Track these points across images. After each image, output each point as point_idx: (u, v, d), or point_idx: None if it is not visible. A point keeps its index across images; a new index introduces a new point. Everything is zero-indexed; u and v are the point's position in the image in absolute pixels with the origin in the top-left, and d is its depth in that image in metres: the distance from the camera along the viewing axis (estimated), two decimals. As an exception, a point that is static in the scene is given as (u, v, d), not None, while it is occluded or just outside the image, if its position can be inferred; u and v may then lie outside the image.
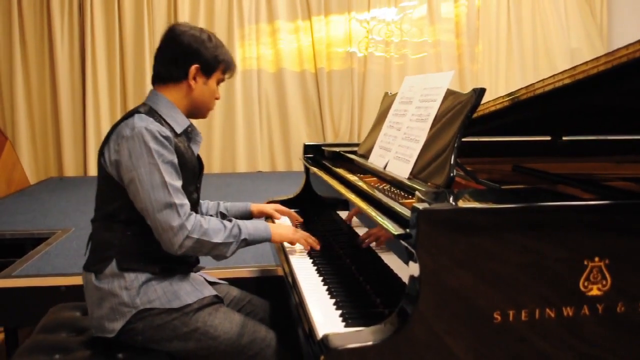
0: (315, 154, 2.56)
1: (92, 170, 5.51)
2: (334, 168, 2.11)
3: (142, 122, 1.63)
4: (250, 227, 1.75)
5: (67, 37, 5.51)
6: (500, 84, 6.10)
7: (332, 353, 1.10)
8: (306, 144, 2.61)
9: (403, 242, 1.18)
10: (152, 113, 1.70)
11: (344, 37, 6.00)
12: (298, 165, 5.91)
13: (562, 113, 2.09)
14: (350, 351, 1.08)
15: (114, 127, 1.69)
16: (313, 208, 2.45)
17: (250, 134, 5.85)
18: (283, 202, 2.50)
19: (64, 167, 5.53)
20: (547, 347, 1.17)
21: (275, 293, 2.32)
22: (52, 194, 4.54)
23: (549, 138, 2.47)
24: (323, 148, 2.50)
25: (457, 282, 1.12)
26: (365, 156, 2.08)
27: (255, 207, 2.15)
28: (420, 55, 6.11)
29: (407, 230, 1.16)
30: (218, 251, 1.68)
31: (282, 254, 1.98)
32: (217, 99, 1.85)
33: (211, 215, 2.05)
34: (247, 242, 1.74)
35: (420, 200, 1.19)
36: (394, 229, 1.23)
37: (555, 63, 6.22)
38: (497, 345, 1.15)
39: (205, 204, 2.09)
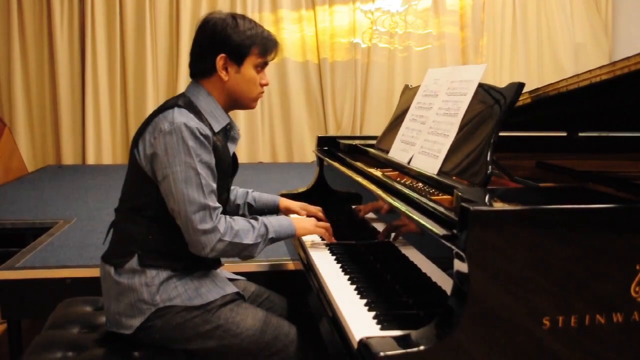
0: (329, 146, 2.50)
1: (91, 159, 5.43)
2: (353, 162, 2.06)
3: (182, 117, 1.55)
4: (275, 225, 1.70)
5: (66, 22, 5.40)
6: (504, 78, 6.04)
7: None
8: (320, 136, 2.55)
9: (448, 243, 1.12)
10: (192, 107, 1.61)
11: (348, 27, 5.92)
12: (299, 156, 5.84)
13: (583, 109, 2.05)
14: (398, 357, 1.03)
15: (151, 118, 1.61)
16: (327, 202, 2.39)
17: (251, 124, 5.77)
18: (295, 195, 2.44)
19: (62, 155, 5.44)
20: (592, 353, 1.13)
21: (286, 287, 2.26)
22: (51, 183, 4.46)
23: (564, 134, 2.43)
24: (339, 141, 2.44)
25: (507, 285, 1.07)
26: (384, 150, 2.03)
27: (282, 202, 2.07)
28: (424, 48, 6.04)
29: (454, 231, 1.11)
30: (247, 252, 1.63)
31: (300, 248, 1.94)
32: (263, 85, 1.72)
33: (238, 204, 1.99)
34: (273, 241, 1.70)
35: (462, 200, 1.13)
36: (437, 229, 1.17)
37: (559, 57, 6.18)
38: (543, 352, 1.11)
39: (235, 191, 2.03)
